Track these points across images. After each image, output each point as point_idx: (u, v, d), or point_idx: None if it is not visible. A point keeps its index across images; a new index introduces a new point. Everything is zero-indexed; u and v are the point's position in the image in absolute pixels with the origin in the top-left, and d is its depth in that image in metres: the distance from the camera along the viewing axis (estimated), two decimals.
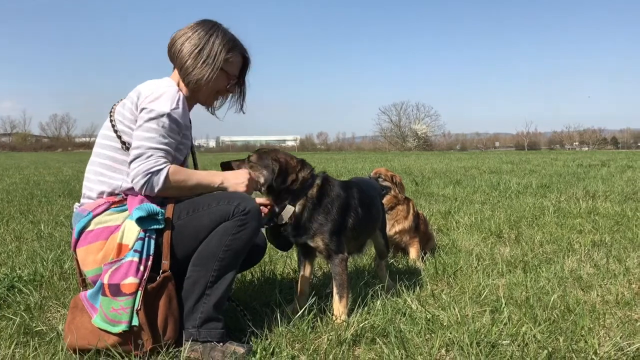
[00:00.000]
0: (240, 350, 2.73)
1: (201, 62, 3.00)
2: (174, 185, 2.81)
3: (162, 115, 2.80)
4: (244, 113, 3.43)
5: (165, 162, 2.80)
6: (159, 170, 2.76)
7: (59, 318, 3.31)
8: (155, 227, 2.75)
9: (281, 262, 4.61)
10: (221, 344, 2.76)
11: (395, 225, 5.02)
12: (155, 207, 2.73)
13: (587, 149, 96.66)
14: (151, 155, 2.77)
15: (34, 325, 3.16)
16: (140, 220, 2.70)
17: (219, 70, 3.05)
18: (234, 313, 3.21)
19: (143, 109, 2.82)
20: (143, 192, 2.79)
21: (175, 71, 3.12)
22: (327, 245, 3.27)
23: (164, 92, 2.86)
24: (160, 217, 2.74)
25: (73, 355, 2.66)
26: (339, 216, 3.29)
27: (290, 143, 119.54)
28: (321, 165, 22.56)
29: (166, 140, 2.83)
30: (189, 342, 2.75)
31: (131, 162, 2.79)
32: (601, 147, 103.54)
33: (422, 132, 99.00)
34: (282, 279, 4.17)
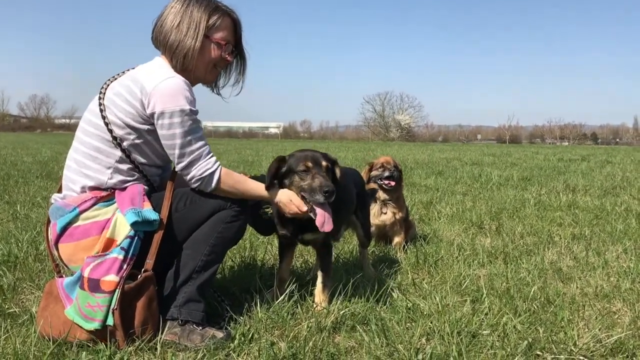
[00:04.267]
0: (219, 334, 2.70)
1: (183, 35, 2.85)
2: (224, 188, 2.81)
3: (185, 114, 2.71)
4: (241, 88, 3.28)
5: (215, 162, 2.82)
6: (212, 173, 2.78)
7: (33, 300, 3.23)
8: (148, 230, 2.70)
9: (262, 248, 4.56)
10: (200, 327, 2.72)
11: (397, 213, 5.00)
12: (151, 214, 2.67)
13: (567, 143, 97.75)
14: (199, 157, 2.76)
15: (6, 307, 3.08)
16: (134, 224, 2.63)
17: (205, 38, 2.89)
18: (213, 299, 3.15)
19: (162, 113, 2.69)
20: (197, 189, 2.82)
21: (164, 57, 2.96)
22: (326, 236, 3.23)
23: (172, 86, 2.71)
24: (155, 223, 2.69)
25: (45, 338, 2.59)
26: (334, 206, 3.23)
27: (273, 130, 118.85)
28: None
29: (199, 133, 2.79)
30: (168, 322, 2.72)
31: (183, 169, 2.77)
32: (581, 142, 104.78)
33: (406, 122, 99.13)
34: (262, 265, 4.12)
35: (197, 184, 2.78)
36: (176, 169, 2.82)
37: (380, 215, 4.99)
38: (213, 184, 2.78)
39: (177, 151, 2.74)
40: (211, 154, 2.82)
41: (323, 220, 2.87)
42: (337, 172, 3.09)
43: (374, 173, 4.99)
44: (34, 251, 4.24)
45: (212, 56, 2.96)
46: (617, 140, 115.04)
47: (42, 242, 4.53)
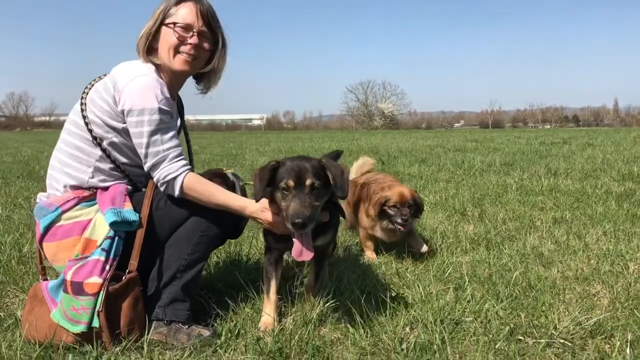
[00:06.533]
0: (206, 332, 2.71)
1: (144, 28, 2.90)
2: (189, 194, 2.74)
3: (154, 113, 2.67)
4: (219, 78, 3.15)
5: (181, 167, 2.73)
6: (174, 178, 2.71)
7: (18, 304, 3.22)
8: (127, 230, 2.69)
9: (247, 243, 4.57)
10: (186, 326, 2.74)
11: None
12: (130, 215, 2.66)
13: (549, 126, 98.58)
14: (164, 159, 2.71)
15: None
16: (113, 224, 2.62)
17: (161, 25, 2.88)
18: (199, 296, 3.17)
19: (130, 110, 2.67)
20: (166, 193, 2.77)
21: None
22: (329, 243, 3.08)
23: (143, 84, 2.69)
24: (135, 224, 2.69)
25: (31, 342, 2.59)
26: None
27: (256, 122, 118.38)
28: (288, 145, 22.48)
29: (169, 134, 2.74)
30: (154, 322, 2.73)
31: (149, 170, 2.74)
32: (563, 125, 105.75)
33: (389, 110, 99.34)
34: (247, 259, 4.14)
35: (162, 187, 2.74)
36: (145, 170, 2.79)
37: (391, 237, 4.43)
38: (177, 190, 2.72)
39: (143, 150, 2.71)
40: (178, 158, 2.75)
41: (300, 249, 2.57)
42: (331, 178, 2.59)
43: (387, 210, 4.26)
44: (17, 254, 4.21)
45: (170, 41, 2.88)
46: (598, 122, 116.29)
47: (25, 244, 4.51)
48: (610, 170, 10.07)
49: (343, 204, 4.77)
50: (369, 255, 4.44)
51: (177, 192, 2.72)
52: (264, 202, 2.68)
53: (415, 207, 4.25)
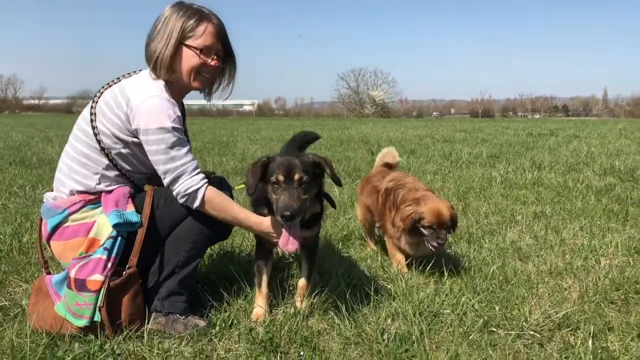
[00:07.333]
0: (202, 323, 2.92)
1: (157, 43, 2.93)
2: (208, 206, 2.90)
3: (167, 131, 2.80)
4: (230, 91, 3.30)
5: (201, 180, 2.88)
6: (196, 190, 2.86)
7: (22, 293, 3.38)
8: (129, 230, 2.86)
9: (239, 234, 4.75)
10: (183, 317, 2.94)
11: None
12: (132, 217, 2.83)
13: (538, 116, 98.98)
14: (183, 172, 2.84)
15: None
16: (116, 225, 2.79)
17: (180, 45, 2.92)
18: (196, 288, 3.35)
19: (145, 130, 2.80)
20: (184, 204, 2.91)
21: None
22: (316, 235, 3.24)
23: (155, 106, 2.81)
24: (136, 225, 2.86)
25: (38, 331, 2.77)
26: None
27: (247, 108, 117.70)
28: (279, 133, 22.55)
29: (184, 149, 2.87)
30: (153, 314, 2.93)
31: (169, 185, 2.87)
32: (552, 114, 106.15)
33: (380, 98, 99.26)
34: (240, 252, 4.32)
35: (183, 200, 2.87)
36: (164, 185, 2.92)
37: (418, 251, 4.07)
38: (198, 202, 2.86)
39: (161, 167, 2.84)
40: (197, 171, 2.89)
41: (287, 239, 2.72)
42: (328, 172, 2.82)
43: (422, 229, 3.84)
44: (17, 244, 4.36)
45: (191, 63, 2.97)
46: (587, 112, 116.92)
47: (25, 234, 4.65)
48: (593, 164, 10.30)
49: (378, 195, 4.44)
50: (400, 261, 4.10)
51: (197, 204, 2.86)
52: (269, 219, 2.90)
53: (452, 225, 3.90)
